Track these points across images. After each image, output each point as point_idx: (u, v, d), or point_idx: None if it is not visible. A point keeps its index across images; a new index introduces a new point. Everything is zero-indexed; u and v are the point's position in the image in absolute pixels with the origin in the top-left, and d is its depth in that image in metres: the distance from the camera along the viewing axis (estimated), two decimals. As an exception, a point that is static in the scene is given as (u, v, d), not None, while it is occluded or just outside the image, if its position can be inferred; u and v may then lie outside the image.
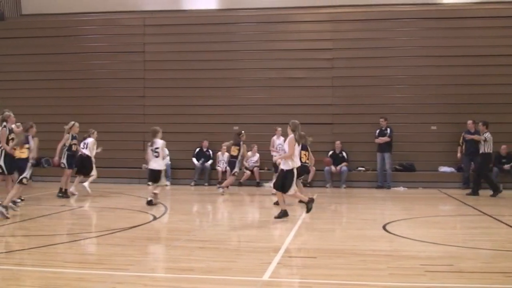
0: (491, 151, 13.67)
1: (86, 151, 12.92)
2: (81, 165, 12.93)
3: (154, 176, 11.23)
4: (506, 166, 15.37)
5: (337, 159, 16.05)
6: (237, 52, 17.53)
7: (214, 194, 13.78)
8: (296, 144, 9.03)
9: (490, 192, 14.69)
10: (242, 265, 5.80)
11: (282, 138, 14.51)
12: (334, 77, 16.96)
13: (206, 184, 16.30)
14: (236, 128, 15.79)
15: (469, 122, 14.61)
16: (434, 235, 7.76)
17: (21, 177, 9.35)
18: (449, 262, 5.96)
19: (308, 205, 9.14)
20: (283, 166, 9.04)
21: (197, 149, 16.76)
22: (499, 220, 9.25)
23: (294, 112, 15.44)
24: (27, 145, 9.48)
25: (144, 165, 14.38)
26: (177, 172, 16.82)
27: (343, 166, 15.81)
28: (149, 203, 10.93)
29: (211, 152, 16.70)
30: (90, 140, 13.12)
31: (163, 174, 11.44)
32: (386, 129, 15.78)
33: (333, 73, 16.99)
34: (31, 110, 17.58)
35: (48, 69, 18.23)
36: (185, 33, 17.81)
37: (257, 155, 16.31)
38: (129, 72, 17.95)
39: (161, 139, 11.23)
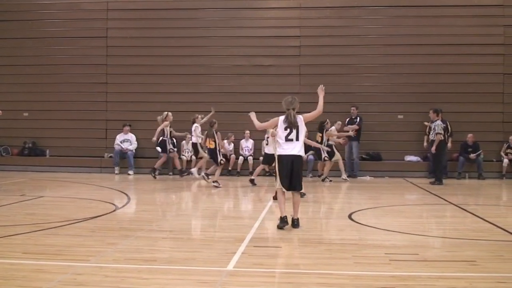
0: (442, 138, 13.69)
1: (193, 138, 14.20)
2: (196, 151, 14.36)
3: (267, 159, 12.68)
4: (472, 155, 15.55)
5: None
6: (203, 38, 17.19)
7: (178, 183, 13.63)
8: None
9: (455, 180, 14.98)
10: (206, 255, 5.69)
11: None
12: (302, 65, 16.87)
13: (171, 173, 16.08)
14: (201, 116, 15.52)
15: (430, 111, 14.52)
16: (399, 224, 7.81)
17: (218, 160, 12.48)
18: (414, 251, 5.98)
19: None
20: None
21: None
22: (464, 209, 9.37)
23: (262, 100, 15.38)
24: (212, 138, 12.41)
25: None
26: (141, 161, 16.53)
27: (310, 155, 15.77)
28: (252, 181, 12.97)
29: (175, 141, 16.43)
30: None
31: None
32: (356, 118, 15.84)
33: (301, 60, 16.89)
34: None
35: (6, 54, 17.58)
36: (150, 19, 17.38)
37: (232, 144, 16.26)
38: (91, 58, 17.39)
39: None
